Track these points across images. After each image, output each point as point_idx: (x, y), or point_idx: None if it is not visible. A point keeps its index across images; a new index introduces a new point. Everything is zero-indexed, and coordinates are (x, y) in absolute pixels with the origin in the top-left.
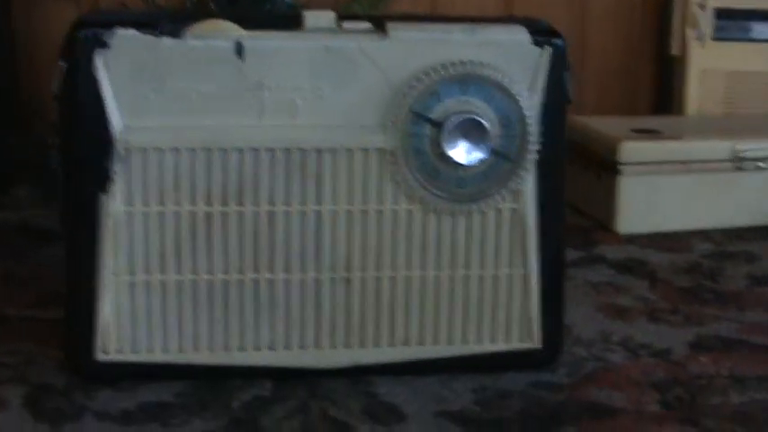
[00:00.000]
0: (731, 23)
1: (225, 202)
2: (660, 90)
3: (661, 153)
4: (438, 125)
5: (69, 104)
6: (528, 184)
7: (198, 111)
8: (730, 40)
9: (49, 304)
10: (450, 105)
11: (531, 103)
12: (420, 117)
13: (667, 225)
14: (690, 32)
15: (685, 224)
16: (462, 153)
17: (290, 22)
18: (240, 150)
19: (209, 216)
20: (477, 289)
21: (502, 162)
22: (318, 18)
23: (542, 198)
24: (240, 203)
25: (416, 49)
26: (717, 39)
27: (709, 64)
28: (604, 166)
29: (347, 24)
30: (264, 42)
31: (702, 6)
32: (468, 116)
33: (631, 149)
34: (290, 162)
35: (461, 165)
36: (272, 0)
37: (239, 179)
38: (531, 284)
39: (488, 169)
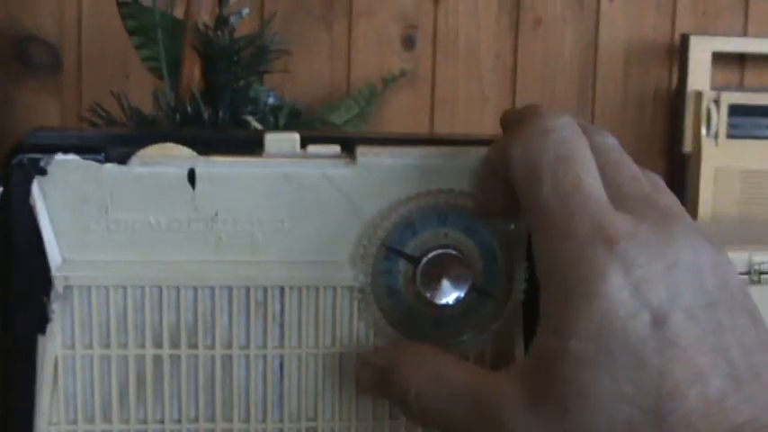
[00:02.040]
0: (746, 120)
1: (176, 345)
2: (672, 188)
3: None
4: (414, 261)
5: (3, 235)
6: (514, 325)
7: (147, 244)
8: (745, 137)
9: None
10: (427, 239)
11: (517, 235)
12: (393, 252)
13: None
14: (703, 130)
15: None
16: (440, 291)
17: (251, 145)
18: (194, 288)
19: (158, 360)
20: None
21: (484, 301)
22: (280, 141)
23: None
24: (194, 346)
25: (388, 176)
26: (731, 136)
27: (723, 162)
28: None
29: (313, 148)
30: (218, 169)
31: (716, 103)
32: (445, 251)
33: None
34: (250, 301)
35: (439, 304)
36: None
37: (193, 320)
38: None
39: (469, 308)
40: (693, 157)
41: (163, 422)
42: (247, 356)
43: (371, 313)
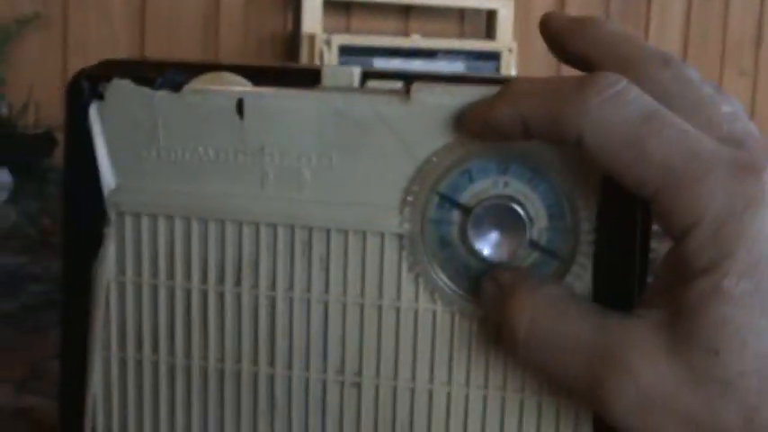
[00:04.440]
0: (354, 59)
1: (221, 281)
2: None
3: None
4: (465, 210)
5: (65, 159)
6: (582, 287)
7: (195, 175)
8: None
9: None
10: (484, 188)
11: (586, 187)
12: (445, 200)
13: None
14: None
15: None
16: (494, 247)
17: (309, 78)
18: (239, 223)
19: (204, 294)
20: (516, 413)
21: (548, 259)
22: (339, 74)
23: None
24: (238, 283)
25: (445, 116)
26: None
27: None
28: None
29: (373, 83)
30: (268, 100)
31: (328, 44)
32: (500, 201)
33: None
34: (294, 241)
35: (493, 261)
36: None
37: (237, 256)
38: (585, 413)
39: (531, 267)
40: None
41: (206, 360)
42: (291, 299)
43: (420, 264)
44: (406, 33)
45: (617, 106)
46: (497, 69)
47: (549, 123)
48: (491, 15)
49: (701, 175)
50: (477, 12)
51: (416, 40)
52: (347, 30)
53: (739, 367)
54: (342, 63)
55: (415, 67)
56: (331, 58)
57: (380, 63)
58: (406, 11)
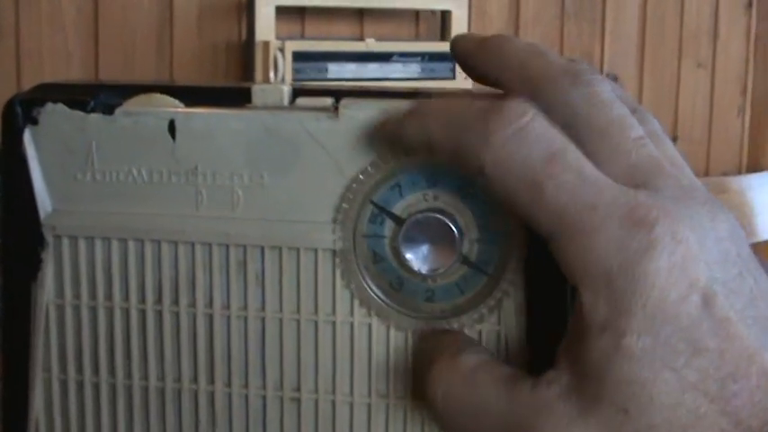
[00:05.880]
0: (309, 65)
1: (159, 301)
2: None
3: None
4: (399, 221)
5: (2, 183)
6: (513, 302)
7: (130, 196)
8: (308, 80)
9: None
10: (414, 201)
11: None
12: (378, 209)
13: None
14: (271, 75)
15: None
16: (425, 260)
17: (239, 96)
18: (174, 243)
19: (142, 314)
20: None
21: (478, 274)
22: (268, 92)
23: (536, 320)
24: (175, 303)
25: (373, 131)
26: (296, 80)
27: None
28: None
29: (302, 101)
30: (199, 121)
31: (281, 51)
32: (430, 215)
33: None
34: (229, 259)
35: (427, 274)
36: None
37: (174, 275)
38: None
39: (463, 281)
40: None
41: (147, 379)
42: (228, 317)
43: (354, 279)
44: (361, 37)
45: (519, 143)
46: (452, 70)
47: (452, 151)
48: (445, 16)
49: (593, 229)
50: (431, 13)
51: (371, 45)
52: (302, 36)
53: (649, 421)
54: (296, 69)
55: (371, 71)
56: (285, 64)
57: (335, 68)
58: (360, 14)
